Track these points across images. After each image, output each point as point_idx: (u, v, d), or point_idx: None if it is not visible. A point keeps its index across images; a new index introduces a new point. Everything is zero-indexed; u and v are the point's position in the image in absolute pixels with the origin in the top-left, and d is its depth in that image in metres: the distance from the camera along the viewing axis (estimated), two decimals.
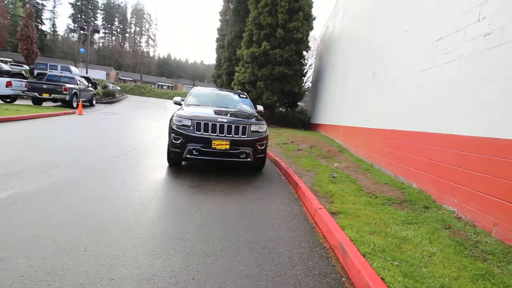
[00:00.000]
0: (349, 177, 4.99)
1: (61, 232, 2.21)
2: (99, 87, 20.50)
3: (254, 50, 13.77)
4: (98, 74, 37.29)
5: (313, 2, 13.78)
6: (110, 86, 22.18)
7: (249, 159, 4.53)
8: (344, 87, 9.05)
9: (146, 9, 68.28)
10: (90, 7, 63.30)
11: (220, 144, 4.31)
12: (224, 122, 4.39)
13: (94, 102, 16.51)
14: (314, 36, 20.74)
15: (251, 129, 4.57)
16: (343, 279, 1.94)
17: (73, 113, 11.63)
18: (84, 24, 25.82)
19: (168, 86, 54.87)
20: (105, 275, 1.74)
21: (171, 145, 4.49)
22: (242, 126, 4.48)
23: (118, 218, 2.58)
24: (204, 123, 4.34)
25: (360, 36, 7.68)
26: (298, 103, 18.08)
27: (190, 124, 4.38)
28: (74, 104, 13.18)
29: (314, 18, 14.39)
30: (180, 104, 5.69)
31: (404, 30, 5.10)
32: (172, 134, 4.44)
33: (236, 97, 6.33)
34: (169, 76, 67.60)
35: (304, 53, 14.96)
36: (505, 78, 2.70)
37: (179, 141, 4.36)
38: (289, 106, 16.32)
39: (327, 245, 2.45)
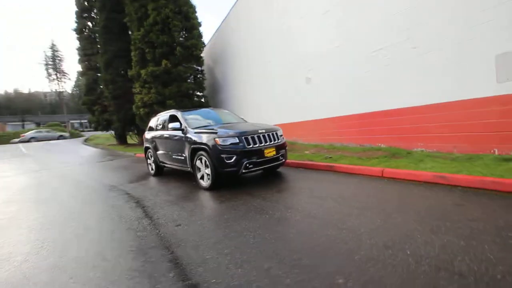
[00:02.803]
0: (336, 155, 6.63)
1: None
2: None
3: (153, 69, 13.10)
4: None
5: (200, 22, 14.66)
6: None
7: (284, 160, 5.23)
8: (270, 94, 10.73)
9: None
10: None
11: (270, 152, 4.79)
12: (263, 132, 4.87)
13: None
14: None
15: (279, 134, 5.27)
16: (459, 188, 3.41)
17: None
18: None
19: None
20: None
21: (222, 166, 4.47)
22: (275, 133, 5.11)
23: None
24: (251, 136, 4.65)
25: (286, 51, 9.46)
26: None
27: (238, 140, 4.56)
28: None
29: (202, 36, 15.33)
30: (182, 130, 5.41)
31: (334, 46, 7.27)
32: (223, 155, 4.45)
33: (224, 112, 6.57)
34: None
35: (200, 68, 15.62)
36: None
37: (233, 159, 4.46)
38: None
39: (420, 183, 3.85)
